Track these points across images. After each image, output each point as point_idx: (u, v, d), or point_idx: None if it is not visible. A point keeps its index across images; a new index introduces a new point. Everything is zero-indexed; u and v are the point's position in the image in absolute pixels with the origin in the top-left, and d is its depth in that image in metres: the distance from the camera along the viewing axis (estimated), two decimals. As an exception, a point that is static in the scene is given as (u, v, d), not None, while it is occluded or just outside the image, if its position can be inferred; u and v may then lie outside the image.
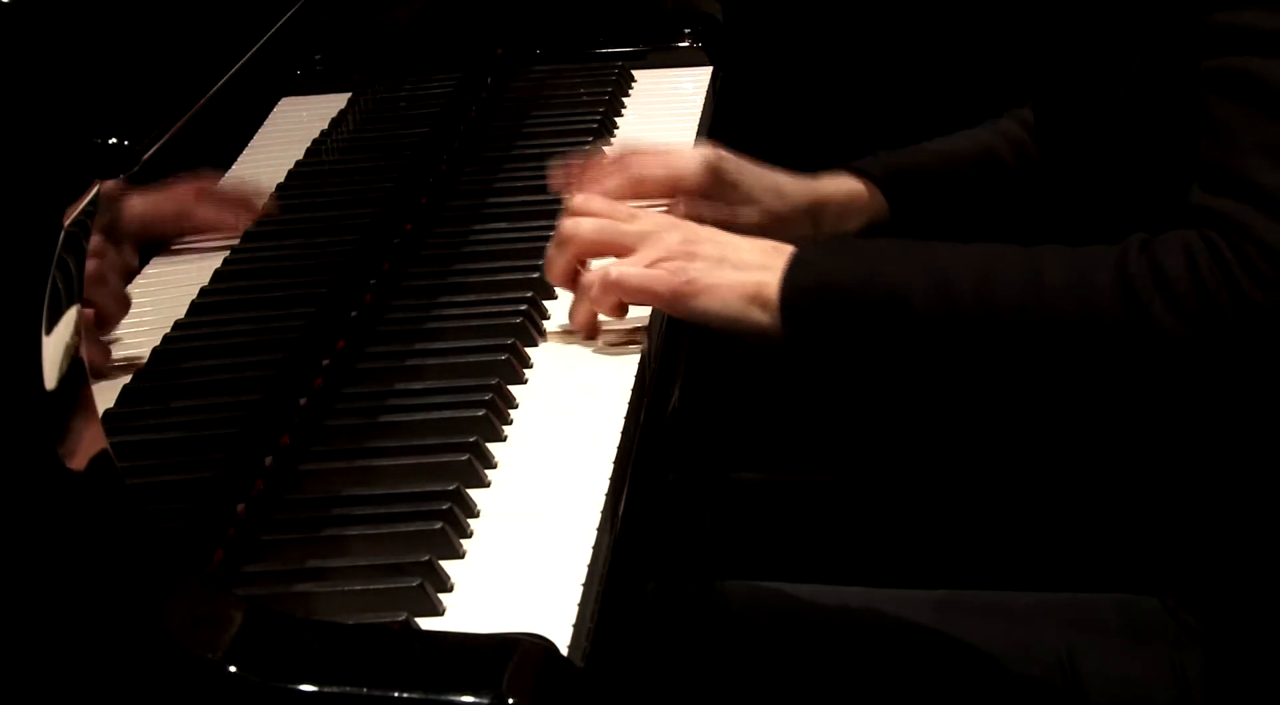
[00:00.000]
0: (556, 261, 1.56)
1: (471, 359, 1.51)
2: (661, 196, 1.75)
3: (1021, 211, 1.79)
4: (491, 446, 1.39)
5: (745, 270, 1.47)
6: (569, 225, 1.54)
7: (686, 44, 2.27)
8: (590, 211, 1.55)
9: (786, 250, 1.48)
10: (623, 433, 1.42)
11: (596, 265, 1.54)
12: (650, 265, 1.49)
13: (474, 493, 1.33)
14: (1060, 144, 1.60)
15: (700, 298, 1.47)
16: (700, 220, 1.64)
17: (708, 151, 1.73)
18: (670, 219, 1.57)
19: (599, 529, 1.29)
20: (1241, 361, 1.35)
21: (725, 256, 1.49)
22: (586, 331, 1.54)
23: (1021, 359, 1.40)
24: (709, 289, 1.47)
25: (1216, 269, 1.34)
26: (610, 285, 1.50)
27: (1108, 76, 1.48)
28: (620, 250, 1.52)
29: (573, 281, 1.55)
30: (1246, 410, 1.44)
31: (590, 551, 1.26)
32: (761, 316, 1.46)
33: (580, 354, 1.55)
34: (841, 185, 1.75)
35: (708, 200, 1.73)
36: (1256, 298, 1.33)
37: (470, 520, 1.30)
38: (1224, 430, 1.47)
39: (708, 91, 2.17)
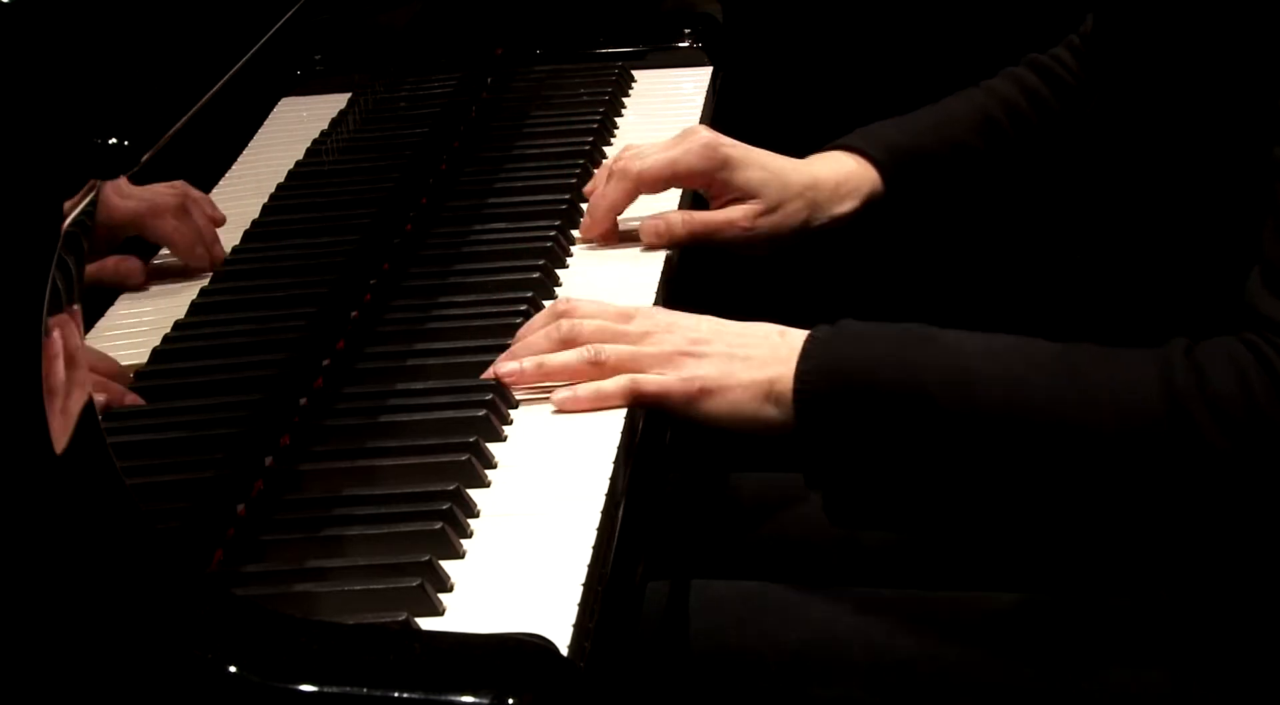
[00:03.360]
0: (553, 362, 1.47)
1: (471, 359, 1.51)
2: (662, 190, 1.75)
3: (1020, 181, 1.77)
4: (491, 446, 1.39)
5: (755, 366, 1.44)
6: (567, 328, 1.48)
7: (686, 44, 2.27)
8: (581, 313, 1.49)
9: (795, 336, 1.45)
10: (622, 433, 1.42)
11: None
12: (660, 369, 1.45)
13: (474, 493, 1.33)
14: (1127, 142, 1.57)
15: (713, 402, 1.44)
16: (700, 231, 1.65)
17: (707, 139, 1.73)
18: (666, 315, 1.51)
19: (599, 529, 1.29)
20: None
21: (733, 352, 1.45)
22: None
23: (1052, 467, 1.35)
24: (721, 392, 1.44)
25: (1269, 382, 1.30)
26: (628, 392, 1.45)
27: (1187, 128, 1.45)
28: (623, 359, 1.47)
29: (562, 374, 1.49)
30: None
31: (590, 551, 1.26)
32: (774, 412, 1.43)
33: (580, 354, 1.55)
34: (836, 167, 1.75)
35: (706, 191, 1.73)
36: None
37: (470, 520, 1.30)
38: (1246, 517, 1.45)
39: (708, 91, 2.17)
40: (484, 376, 1.48)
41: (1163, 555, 1.54)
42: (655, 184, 1.74)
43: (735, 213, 1.72)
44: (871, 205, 1.75)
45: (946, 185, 1.77)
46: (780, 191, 1.72)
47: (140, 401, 1.27)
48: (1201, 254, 1.49)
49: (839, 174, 1.75)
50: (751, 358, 1.45)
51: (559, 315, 1.50)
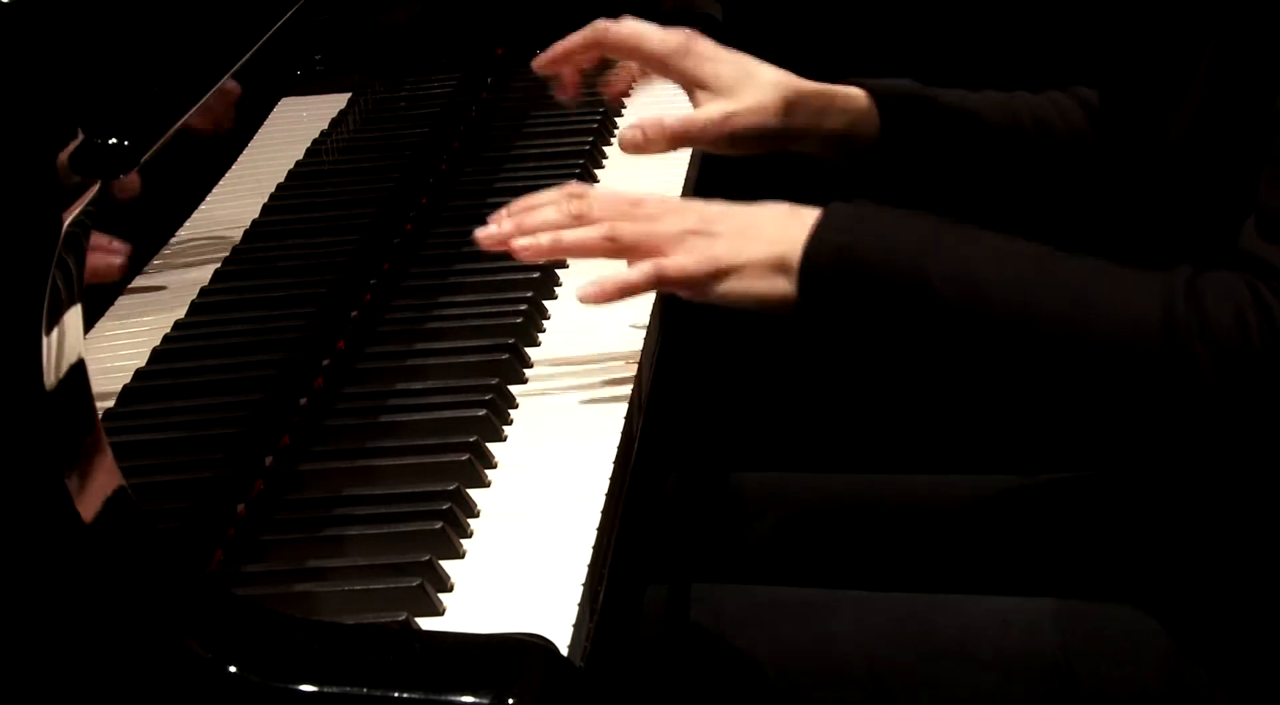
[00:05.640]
0: (569, 238, 1.46)
1: (471, 359, 1.51)
2: (624, 58, 1.74)
3: (1017, 185, 1.76)
4: (491, 446, 1.39)
5: (767, 242, 1.43)
6: (578, 206, 1.46)
7: (686, 44, 2.27)
8: (595, 214, 1.47)
9: (806, 214, 1.44)
10: (622, 432, 1.42)
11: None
12: (674, 250, 1.44)
13: (474, 493, 1.33)
14: (1117, 147, 1.57)
15: (729, 280, 1.43)
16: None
17: (682, 29, 1.72)
18: (676, 200, 1.51)
19: (599, 529, 1.29)
20: (1277, 415, 1.32)
21: (744, 230, 1.45)
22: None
23: (1047, 371, 1.37)
24: (736, 269, 1.43)
25: (1265, 325, 1.31)
26: (652, 277, 1.43)
27: (1170, 84, 1.46)
28: (639, 236, 1.45)
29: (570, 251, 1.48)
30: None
31: (590, 551, 1.26)
32: (786, 285, 1.43)
33: (580, 354, 1.55)
34: (832, 86, 1.72)
35: (672, 79, 1.72)
36: None
37: (470, 520, 1.30)
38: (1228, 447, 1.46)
39: (708, 91, 2.16)
40: (482, 236, 1.47)
41: (1159, 555, 1.54)
42: (617, 47, 1.73)
43: (709, 107, 1.69)
44: (861, 135, 1.71)
45: (946, 145, 1.75)
46: (750, 84, 1.69)
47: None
48: (1197, 221, 1.49)
49: (832, 89, 1.71)
50: (762, 235, 1.44)
51: (570, 196, 1.48)
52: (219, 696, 1.07)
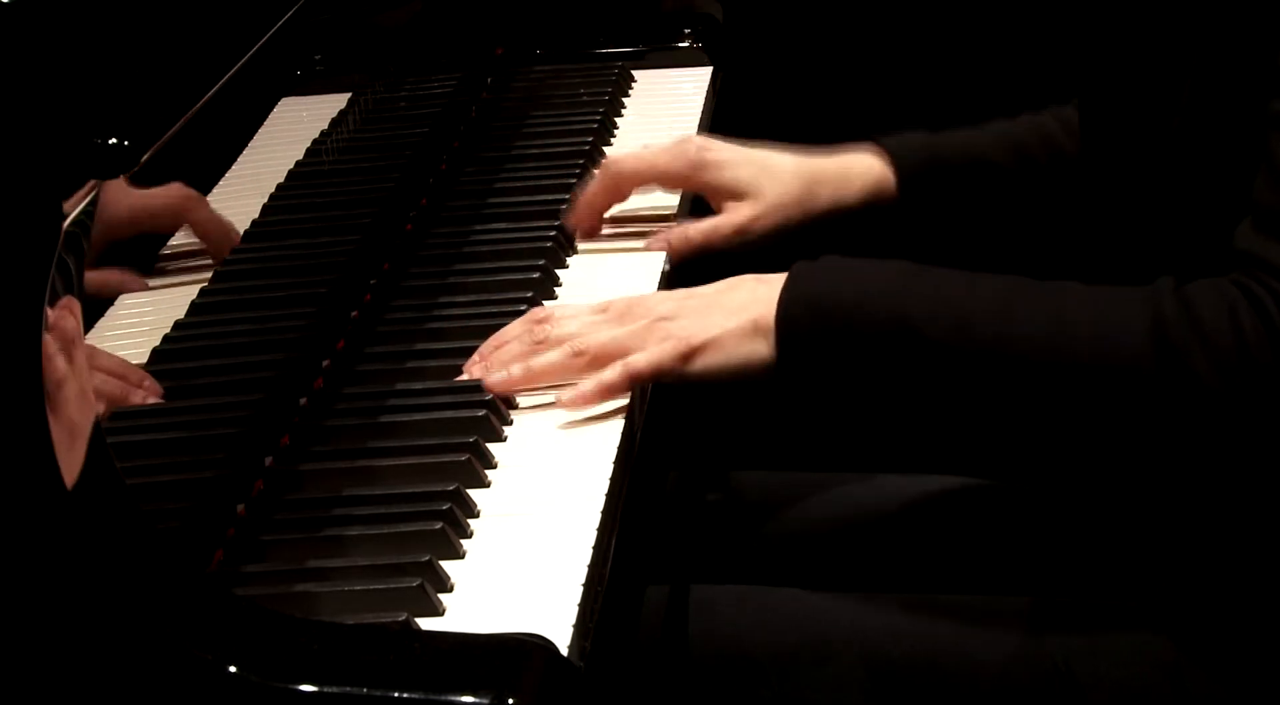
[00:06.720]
0: (539, 363, 1.46)
1: (471, 359, 1.51)
2: (642, 186, 1.75)
3: (1038, 212, 1.76)
4: (491, 446, 1.39)
5: (735, 310, 1.44)
6: (542, 333, 1.48)
7: (686, 44, 2.27)
8: (556, 317, 1.49)
9: (772, 278, 1.45)
10: (623, 432, 1.42)
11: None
12: (643, 344, 1.45)
13: (474, 493, 1.33)
14: (1102, 161, 1.57)
15: (704, 355, 1.44)
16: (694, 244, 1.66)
17: (689, 145, 1.73)
18: (639, 297, 1.51)
19: (599, 529, 1.29)
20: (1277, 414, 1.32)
21: (709, 305, 1.45)
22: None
23: (1040, 400, 1.37)
24: (709, 344, 1.44)
25: (1259, 321, 1.31)
26: (625, 376, 1.44)
27: (1156, 104, 1.46)
28: (605, 344, 1.46)
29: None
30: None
31: (590, 551, 1.26)
32: (764, 348, 1.43)
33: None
34: (848, 158, 1.73)
35: (695, 192, 1.73)
36: None
37: (470, 520, 1.30)
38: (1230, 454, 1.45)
39: (708, 91, 2.17)
40: (460, 380, 1.47)
41: (1159, 555, 1.55)
42: (633, 181, 1.75)
43: (732, 217, 1.71)
44: (881, 201, 1.73)
45: (964, 194, 1.75)
46: (773, 185, 1.71)
47: (156, 391, 1.27)
48: (1190, 232, 1.49)
49: (847, 162, 1.73)
50: (729, 305, 1.45)
51: (535, 322, 1.50)
52: (219, 696, 1.08)
